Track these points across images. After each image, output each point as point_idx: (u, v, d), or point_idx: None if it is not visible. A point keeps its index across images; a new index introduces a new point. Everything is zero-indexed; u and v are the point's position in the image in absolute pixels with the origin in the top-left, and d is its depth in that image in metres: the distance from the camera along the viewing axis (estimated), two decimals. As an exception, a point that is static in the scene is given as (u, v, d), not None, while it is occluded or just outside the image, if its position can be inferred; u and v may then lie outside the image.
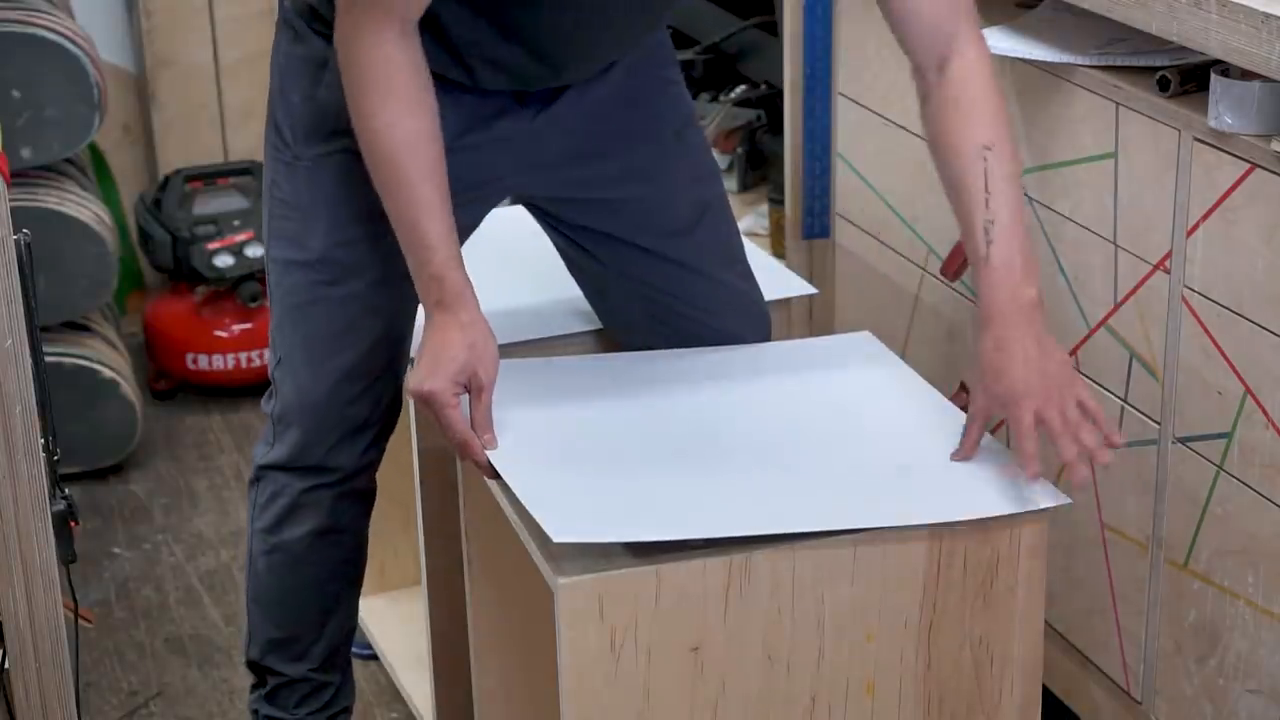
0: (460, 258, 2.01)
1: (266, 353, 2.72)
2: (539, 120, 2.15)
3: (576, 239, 2.27)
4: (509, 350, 2.25)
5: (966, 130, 2.00)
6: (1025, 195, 2.38)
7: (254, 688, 2.39)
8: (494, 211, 2.29)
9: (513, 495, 1.93)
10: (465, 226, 2.15)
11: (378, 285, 2.15)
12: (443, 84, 2.04)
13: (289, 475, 2.24)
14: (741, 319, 2.29)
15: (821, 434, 2.04)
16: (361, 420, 2.20)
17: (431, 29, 2.02)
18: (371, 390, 2.19)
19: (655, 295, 2.25)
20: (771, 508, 1.88)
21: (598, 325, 2.36)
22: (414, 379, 1.98)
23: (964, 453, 1.97)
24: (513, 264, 2.49)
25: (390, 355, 2.20)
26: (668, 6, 2.14)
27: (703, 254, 2.26)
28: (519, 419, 2.02)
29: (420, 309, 2.08)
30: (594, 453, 2.00)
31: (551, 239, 2.31)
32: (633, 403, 2.06)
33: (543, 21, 2.03)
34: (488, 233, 2.31)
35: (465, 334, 1.98)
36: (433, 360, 1.97)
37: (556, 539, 1.80)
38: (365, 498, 2.28)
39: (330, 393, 2.18)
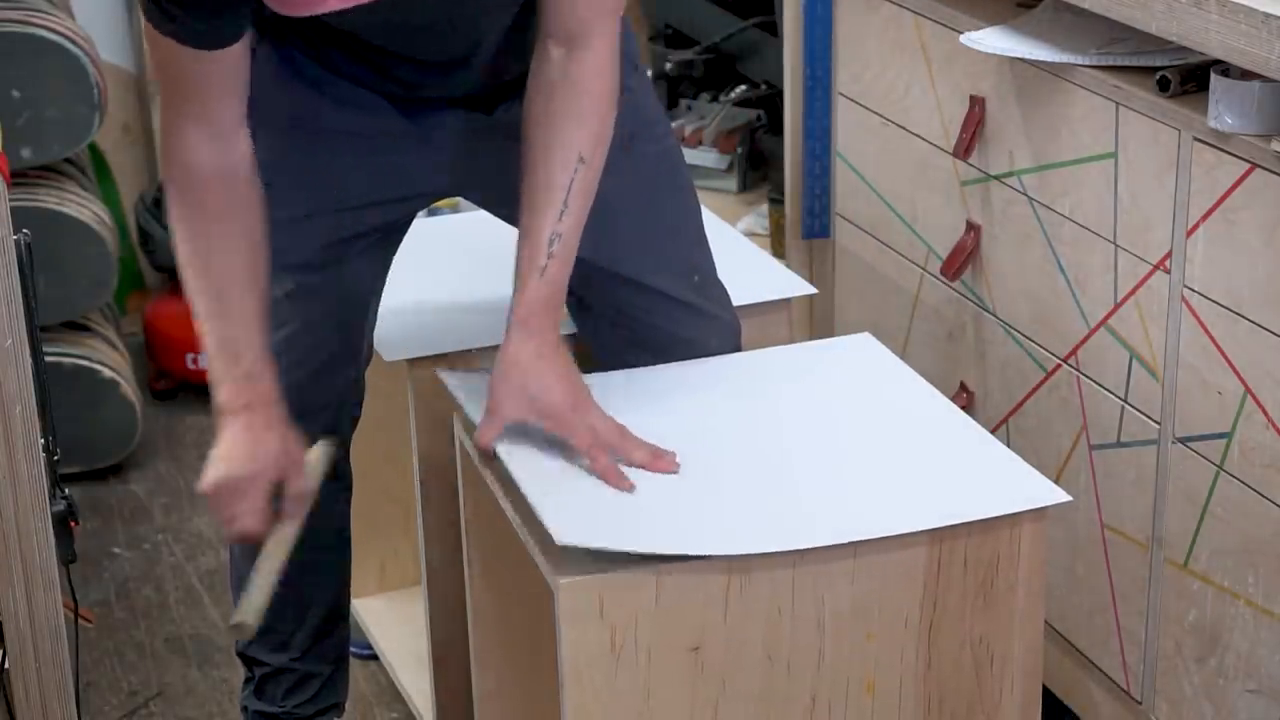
0: (266, 361, 2.01)
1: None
2: (477, 125, 2.13)
3: None
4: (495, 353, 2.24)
5: (571, 133, 1.99)
6: (1025, 195, 2.38)
7: (245, 683, 2.41)
8: (482, 214, 2.28)
9: (513, 494, 1.93)
10: (395, 224, 2.18)
11: (287, 269, 2.14)
12: (373, 89, 2.07)
13: None
14: (702, 333, 2.23)
15: (823, 439, 2.04)
16: (308, 404, 2.20)
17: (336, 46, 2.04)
18: (315, 376, 2.19)
19: (614, 305, 2.21)
20: (773, 520, 1.88)
21: None
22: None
23: (619, 482, 1.94)
24: (505, 264, 2.48)
25: (327, 341, 2.21)
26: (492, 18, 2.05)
27: (650, 269, 2.20)
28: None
29: (368, 300, 2.11)
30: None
31: None
32: (634, 412, 2.05)
33: (373, 39, 2.02)
34: (479, 234, 2.30)
35: (264, 435, 1.99)
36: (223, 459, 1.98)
37: (560, 541, 1.80)
38: (331, 485, 2.28)
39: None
